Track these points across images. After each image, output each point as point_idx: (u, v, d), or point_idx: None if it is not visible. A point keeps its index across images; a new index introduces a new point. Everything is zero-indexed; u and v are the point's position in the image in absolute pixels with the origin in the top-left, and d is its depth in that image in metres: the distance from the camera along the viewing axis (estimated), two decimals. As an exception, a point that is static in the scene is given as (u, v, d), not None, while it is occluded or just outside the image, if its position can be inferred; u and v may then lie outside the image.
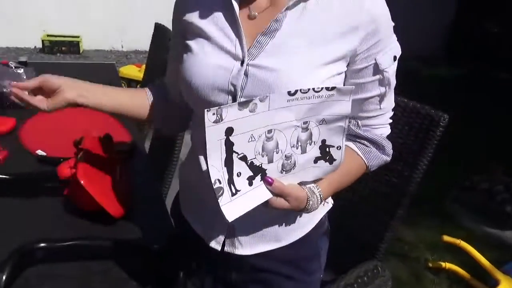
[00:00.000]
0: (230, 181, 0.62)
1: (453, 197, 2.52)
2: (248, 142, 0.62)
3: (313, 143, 0.68)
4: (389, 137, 0.84)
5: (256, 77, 0.68)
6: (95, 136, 1.02)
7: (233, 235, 0.78)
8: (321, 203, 0.72)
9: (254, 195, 0.65)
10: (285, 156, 0.66)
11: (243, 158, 0.63)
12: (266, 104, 0.60)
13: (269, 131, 0.63)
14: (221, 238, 0.78)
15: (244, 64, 0.68)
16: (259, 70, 0.68)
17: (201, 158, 0.75)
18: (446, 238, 1.93)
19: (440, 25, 7.28)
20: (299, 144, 0.67)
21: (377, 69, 0.71)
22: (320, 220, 0.83)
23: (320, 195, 0.71)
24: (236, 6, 0.69)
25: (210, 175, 0.60)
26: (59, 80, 0.77)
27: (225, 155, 0.61)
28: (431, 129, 1.11)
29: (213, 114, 0.57)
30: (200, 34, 0.73)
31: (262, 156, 0.64)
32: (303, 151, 0.68)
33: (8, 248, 0.76)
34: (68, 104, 0.77)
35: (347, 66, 0.71)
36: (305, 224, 0.81)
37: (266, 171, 0.65)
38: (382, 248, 1.22)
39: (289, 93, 0.61)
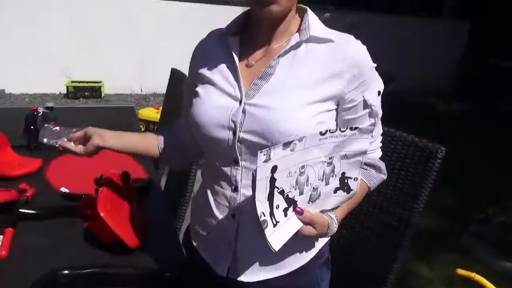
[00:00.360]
0: (271, 214, 0.69)
1: (469, 231, 2.49)
2: (286, 177, 0.69)
3: (335, 175, 0.76)
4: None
5: (253, 114, 0.77)
6: (114, 173, 1.10)
7: (236, 263, 0.84)
8: (335, 228, 0.79)
9: (289, 225, 0.72)
10: (313, 188, 0.74)
11: (281, 192, 0.70)
12: (303, 144, 0.68)
13: (302, 167, 0.70)
14: (226, 266, 0.84)
15: (242, 104, 0.78)
16: (255, 108, 0.77)
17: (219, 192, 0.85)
18: (460, 271, 1.89)
19: (450, 63, 7.45)
20: (324, 176, 0.75)
21: (365, 104, 0.81)
22: (320, 250, 0.88)
23: (337, 220, 0.79)
24: (236, 58, 0.82)
25: (257, 209, 0.66)
26: (90, 130, 0.93)
27: (269, 190, 0.67)
28: (430, 161, 1.16)
29: (264, 154, 0.64)
30: (207, 82, 0.84)
31: (295, 189, 0.71)
32: (327, 183, 0.75)
33: (33, 275, 0.83)
34: (95, 148, 0.92)
35: (340, 105, 0.80)
36: (305, 253, 0.86)
37: (297, 203, 0.72)
38: (390, 279, 1.23)
39: (321, 133, 0.69)
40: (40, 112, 1.66)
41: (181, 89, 1.94)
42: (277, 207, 0.69)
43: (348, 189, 0.78)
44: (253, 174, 0.65)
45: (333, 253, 1.03)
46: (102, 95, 5.51)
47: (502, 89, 6.34)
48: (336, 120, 0.82)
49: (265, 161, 0.64)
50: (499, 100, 6.19)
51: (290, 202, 0.72)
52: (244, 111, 0.78)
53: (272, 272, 0.84)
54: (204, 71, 0.86)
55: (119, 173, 1.12)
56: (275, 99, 0.77)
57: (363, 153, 0.76)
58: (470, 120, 5.77)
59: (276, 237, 0.70)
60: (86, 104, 5.17)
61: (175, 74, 2.22)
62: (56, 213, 1.12)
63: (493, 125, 5.46)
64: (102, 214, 0.92)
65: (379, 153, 0.92)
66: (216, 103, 0.81)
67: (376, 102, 0.82)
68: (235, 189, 0.82)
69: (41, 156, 1.44)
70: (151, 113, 3.97)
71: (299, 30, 0.81)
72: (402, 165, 1.22)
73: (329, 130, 0.70)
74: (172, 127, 1.05)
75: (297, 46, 0.79)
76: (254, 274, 0.83)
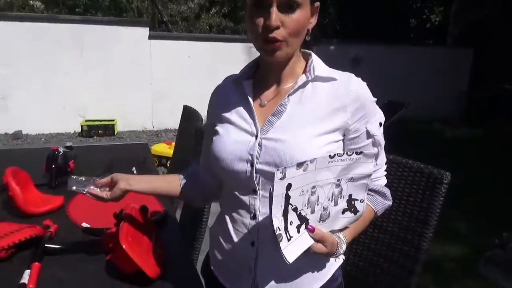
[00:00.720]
0: (286, 229, 0.75)
1: (485, 256, 2.47)
2: (299, 195, 0.75)
3: (342, 197, 0.82)
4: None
5: (268, 147, 0.85)
6: (133, 207, 1.16)
7: (256, 286, 0.88)
8: (346, 247, 0.85)
9: (301, 241, 0.78)
10: (323, 207, 0.80)
11: (295, 209, 0.76)
12: (314, 165, 0.75)
13: (313, 187, 0.77)
14: None
15: (258, 138, 0.87)
16: (270, 142, 0.85)
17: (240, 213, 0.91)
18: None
19: (456, 90, 7.54)
20: (333, 197, 0.81)
21: (368, 135, 0.89)
22: (334, 274, 0.93)
23: (345, 240, 0.85)
24: (250, 99, 0.92)
25: (273, 223, 0.72)
26: (116, 176, 1.01)
27: (284, 207, 0.74)
28: (436, 186, 1.20)
29: (280, 172, 0.70)
30: (226, 121, 0.94)
31: (307, 207, 0.78)
32: (335, 203, 0.82)
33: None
34: (122, 192, 0.99)
35: (346, 135, 0.87)
36: (320, 276, 0.90)
37: (309, 221, 0.79)
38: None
39: (330, 156, 0.77)
40: (60, 152, 1.74)
41: (193, 124, 2.03)
42: (291, 223, 0.75)
43: (355, 211, 0.84)
44: (270, 190, 0.71)
45: (346, 282, 1.06)
46: (116, 133, 5.66)
47: (509, 112, 6.36)
48: (343, 150, 0.88)
49: (281, 179, 0.71)
50: (506, 123, 6.20)
51: (303, 219, 0.78)
52: (260, 145, 0.86)
53: None
54: (222, 112, 0.95)
55: (137, 207, 1.18)
56: (287, 133, 0.85)
57: (368, 176, 0.83)
58: (478, 144, 5.76)
59: (290, 251, 0.75)
60: (100, 141, 5.31)
61: (187, 110, 2.31)
62: (79, 247, 1.17)
63: (502, 149, 5.44)
64: (124, 246, 0.96)
65: (384, 180, 0.98)
66: (235, 139, 0.89)
67: (377, 132, 0.89)
68: (254, 217, 0.88)
69: (63, 193, 1.51)
70: (164, 149, 4.08)
71: (305, 71, 0.90)
72: (410, 192, 1.25)
73: (337, 154, 0.77)
74: (191, 167, 1.13)
75: (304, 85, 0.88)
76: None
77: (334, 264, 0.94)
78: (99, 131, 5.54)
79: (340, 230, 0.85)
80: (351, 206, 0.84)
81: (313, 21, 0.89)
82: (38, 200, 1.41)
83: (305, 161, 0.73)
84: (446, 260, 2.61)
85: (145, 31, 5.91)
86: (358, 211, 0.85)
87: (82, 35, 5.64)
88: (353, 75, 0.90)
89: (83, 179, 1.04)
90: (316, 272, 0.90)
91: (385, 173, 0.98)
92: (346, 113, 0.85)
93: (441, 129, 6.64)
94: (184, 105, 2.35)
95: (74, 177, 1.06)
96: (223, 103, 0.96)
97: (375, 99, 0.89)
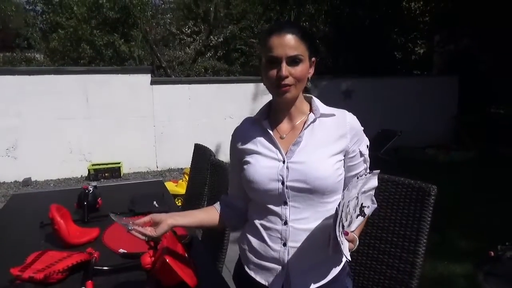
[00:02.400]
0: (340, 236, 0.98)
1: (484, 270, 2.61)
2: (344, 209, 0.98)
3: (358, 206, 1.07)
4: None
5: (294, 168, 1.10)
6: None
7: (289, 280, 1.10)
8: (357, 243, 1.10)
9: (345, 243, 1.00)
10: (350, 216, 1.04)
11: (341, 220, 0.98)
12: (351, 185, 1.01)
13: (349, 201, 1.01)
14: (280, 284, 1.11)
15: (285, 163, 1.12)
16: (295, 164, 1.11)
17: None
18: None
19: (445, 116, 7.87)
20: (355, 207, 1.05)
21: (361, 154, 1.18)
22: (344, 264, 1.18)
23: (356, 238, 1.09)
24: (271, 133, 1.17)
25: (336, 233, 0.96)
26: (158, 216, 1.15)
27: (340, 220, 0.97)
28: (426, 198, 1.39)
29: (342, 196, 0.97)
30: (253, 153, 1.17)
31: (346, 218, 1.01)
32: (355, 211, 1.06)
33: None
34: (169, 227, 1.13)
35: (346, 156, 1.15)
36: (336, 266, 1.15)
37: (344, 227, 1.01)
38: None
39: (357, 178, 1.03)
40: (90, 190, 1.94)
41: (206, 159, 2.23)
42: (340, 231, 0.98)
43: (364, 214, 1.10)
44: (336, 210, 0.97)
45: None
46: (121, 175, 5.83)
47: (498, 134, 6.64)
48: (343, 166, 1.15)
49: (343, 199, 0.97)
50: (497, 144, 6.45)
51: (343, 227, 1.01)
52: (288, 168, 1.10)
53: (316, 283, 1.12)
54: (247, 146, 1.19)
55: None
56: (307, 156, 1.11)
57: (374, 188, 1.10)
58: (471, 167, 5.98)
59: (346, 251, 0.98)
60: (106, 183, 5.47)
61: (198, 148, 2.53)
62: (122, 268, 1.34)
63: (494, 169, 5.65)
64: (168, 260, 1.15)
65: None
66: (265, 165, 1.14)
67: (366, 152, 1.19)
68: (285, 223, 1.11)
69: (96, 226, 1.69)
70: (171, 187, 4.25)
71: (311, 110, 1.18)
72: (404, 205, 1.45)
73: (359, 174, 1.07)
74: (222, 198, 1.33)
75: (313, 121, 1.16)
76: (303, 286, 1.11)
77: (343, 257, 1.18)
78: (106, 174, 5.71)
79: (353, 231, 1.09)
80: (361, 212, 1.09)
81: (311, 71, 1.17)
82: (77, 232, 1.60)
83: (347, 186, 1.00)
84: (446, 275, 2.76)
85: (147, 77, 6.24)
86: (365, 214, 1.10)
87: (87, 84, 5.94)
88: (346, 111, 1.18)
89: (124, 219, 1.16)
90: (332, 263, 1.14)
91: None
92: (346, 139, 1.13)
93: (434, 154, 6.87)
94: (195, 144, 2.57)
95: (114, 214, 1.17)
96: (246, 140, 1.20)
97: (363, 128, 1.18)
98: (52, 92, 5.78)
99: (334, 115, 1.16)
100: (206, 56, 9.63)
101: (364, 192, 1.06)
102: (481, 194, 4.61)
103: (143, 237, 1.09)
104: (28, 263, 1.29)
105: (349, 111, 1.22)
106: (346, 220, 1.02)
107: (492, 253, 2.62)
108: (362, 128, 1.18)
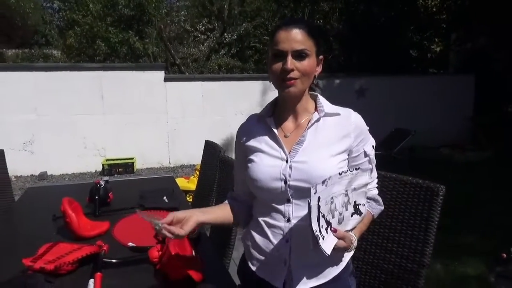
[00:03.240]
0: (320, 231, 0.97)
1: (496, 271, 2.57)
2: (325, 205, 0.98)
3: (350, 203, 1.06)
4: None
5: (297, 168, 1.10)
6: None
7: (291, 277, 1.11)
8: (356, 243, 1.08)
9: (330, 239, 0.99)
10: (339, 213, 1.03)
11: (323, 216, 0.98)
12: (331, 181, 0.99)
13: (331, 198, 1.00)
14: (282, 279, 1.12)
15: (288, 162, 1.11)
16: (297, 164, 1.10)
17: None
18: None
19: (461, 115, 7.75)
20: (345, 204, 1.04)
21: (365, 154, 1.16)
22: (347, 262, 1.17)
23: (355, 237, 1.08)
24: (276, 132, 1.16)
25: (312, 227, 0.94)
26: (185, 213, 1.09)
27: (317, 214, 0.96)
28: (434, 198, 1.38)
29: (313, 188, 0.93)
30: (257, 151, 1.17)
31: (329, 214, 1.00)
32: (347, 209, 1.05)
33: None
34: (197, 224, 1.08)
35: (349, 155, 1.14)
36: (339, 265, 1.14)
37: (331, 224, 1.01)
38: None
39: (339, 174, 1.01)
40: (102, 185, 1.98)
41: (216, 155, 2.25)
42: (322, 226, 0.97)
43: (359, 213, 1.09)
44: (309, 202, 0.94)
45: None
46: (135, 170, 5.91)
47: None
48: (348, 166, 1.14)
49: (315, 193, 0.94)
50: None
51: (328, 223, 1.00)
52: (291, 167, 1.10)
53: (318, 280, 1.11)
54: (252, 144, 1.19)
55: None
56: (310, 156, 1.11)
57: (366, 185, 1.10)
58: (487, 167, 5.87)
59: (326, 246, 0.97)
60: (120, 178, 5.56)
61: (208, 144, 2.55)
62: (130, 261, 1.37)
63: (510, 169, 5.54)
64: (174, 253, 1.17)
65: (376, 190, 1.26)
66: (268, 164, 1.13)
67: (371, 152, 1.17)
68: (288, 220, 1.11)
69: (107, 220, 1.73)
70: (183, 183, 4.29)
71: (316, 109, 1.17)
72: (412, 204, 1.44)
73: (343, 171, 1.03)
74: (229, 195, 1.33)
75: (317, 120, 1.15)
76: (305, 283, 1.11)
77: (347, 255, 1.17)
78: (119, 169, 5.80)
79: (351, 230, 1.09)
80: (356, 210, 1.08)
81: (319, 69, 1.16)
82: (88, 225, 1.63)
83: (325, 179, 0.97)
84: (459, 276, 2.73)
85: (160, 74, 6.30)
86: (362, 213, 1.09)
87: (102, 80, 6.03)
88: (351, 110, 1.17)
89: (145, 218, 1.07)
90: (335, 262, 1.14)
91: (377, 184, 1.26)
92: (350, 138, 1.12)
93: (449, 153, 6.78)
94: (205, 140, 2.59)
95: (140, 211, 1.12)
96: (250, 137, 1.20)
97: (368, 127, 1.17)
98: (68, 88, 5.88)
99: (338, 114, 1.15)
100: (220, 53, 9.65)
101: (355, 189, 1.06)
102: (496, 194, 4.53)
103: (171, 235, 1.03)
104: (40, 254, 1.32)
105: (362, 109, 1.21)
106: (334, 217, 1.01)
107: (505, 255, 2.57)
108: (368, 127, 1.17)
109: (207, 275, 1.24)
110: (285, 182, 1.09)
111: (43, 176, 5.71)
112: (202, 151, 2.58)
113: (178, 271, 1.19)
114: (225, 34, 9.64)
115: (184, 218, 1.07)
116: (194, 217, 1.09)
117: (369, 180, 1.15)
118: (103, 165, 5.81)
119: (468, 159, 6.47)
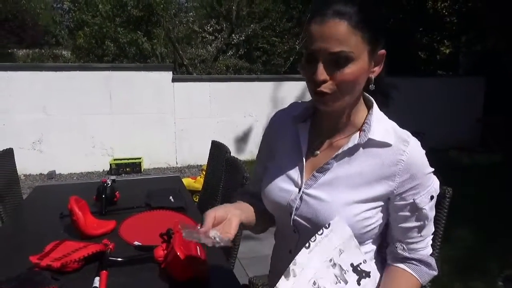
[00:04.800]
0: None
1: (504, 275, 2.55)
2: None
3: (346, 271, 0.80)
4: None
5: (308, 203, 0.89)
6: (177, 227, 1.37)
7: None
8: None
9: None
10: None
11: None
12: (300, 265, 0.77)
13: (314, 282, 0.76)
14: None
15: (301, 191, 0.91)
16: (310, 199, 0.89)
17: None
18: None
19: (471, 118, 7.68)
20: (339, 278, 0.79)
21: (415, 207, 0.87)
22: None
23: None
24: (304, 149, 0.93)
25: None
26: (224, 211, 0.88)
27: None
28: (441, 200, 1.37)
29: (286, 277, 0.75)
30: (276, 162, 0.99)
31: None
32: (345, 282, 0.80)
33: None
34: (238, 223, 0.87)
35: (390, 200, 0.88)
36: None
37: None
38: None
39: (306, 247, 0.77)
40: (109, 184, 1.99)
41: (222, 156, 2.25)
42: None
43: (367, 274, 0.84)
44: None
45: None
46: (142, 170, 5.94)
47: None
48: (384, 217, 0.90)
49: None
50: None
51: None
52: (301, 198, 0.90)
53: None
54: (275, 150, 1.00)
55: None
56: (328, 193, 0.87)
57: (351, 237, 0.83)
58: (496, 169, 5.81)
59: None
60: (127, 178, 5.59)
61: (215, 144, 2.55)
62: (136, 260, 1.38)
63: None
64: (179, 253, 1.17)
65: (429, 250, 0.98)
66: (280, 186, 0.94)
67: (427, 206, 0.88)
68: (290, 252, 0.96)
69: (113, 219, 1.74)
70: (190, 183, 4.30)
71: (360, 129, 0.88)
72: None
73: (310, 241, 0.79)
74: (247, 190, 1.18)
75: (355, 148, 0.86)
76: None
77: None
78: (127, 169, 5.83)
79: None
80: (360, 272, 0.83)
81: (377, 69, 0.88)
82: (94, 224, 1.64)
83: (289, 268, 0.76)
84: (470, 278, 2.70)
85: (168, 74, 6.32)
86: (369, 272, 0.84)
87: (111, 80, 6.07)
88: (412, 139, 0.86)
89: (189, 230, 0.90)
90: None
91: (431, 243, 0.98)
92: (393, 183, 0.84)
93: (458, 156, 6.72)
94: (212, 141, 2.60)
95: (184, 229, 0.91)
96: (278, 138, 1.00)
97: (432, 169, 0.88)
98: (77, 88, 5.93)
99: (389, 145, 0.84)
100: (228, 54, 9.67)
101: (341, 251, 0.80)
102: (504, 196, 4.48)
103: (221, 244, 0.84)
104: (47, 251, 1.33)
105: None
106: None
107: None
108: (431, 170, 0.87)
109: (212, 275, 1.25)
110: (290, 215, 0.91)
111: (51, 175, 5.76)
112: (209, 151, 2.59)
113: (183, 270, 1.19)
114: (233, 35, 9.66)
115: (226, 217, 0.87)
116: (237, 216, 0.87)
117: (418, 239, 0.92)
118: (110, 164, 5.85)
119: (477, 161, 6.41)
